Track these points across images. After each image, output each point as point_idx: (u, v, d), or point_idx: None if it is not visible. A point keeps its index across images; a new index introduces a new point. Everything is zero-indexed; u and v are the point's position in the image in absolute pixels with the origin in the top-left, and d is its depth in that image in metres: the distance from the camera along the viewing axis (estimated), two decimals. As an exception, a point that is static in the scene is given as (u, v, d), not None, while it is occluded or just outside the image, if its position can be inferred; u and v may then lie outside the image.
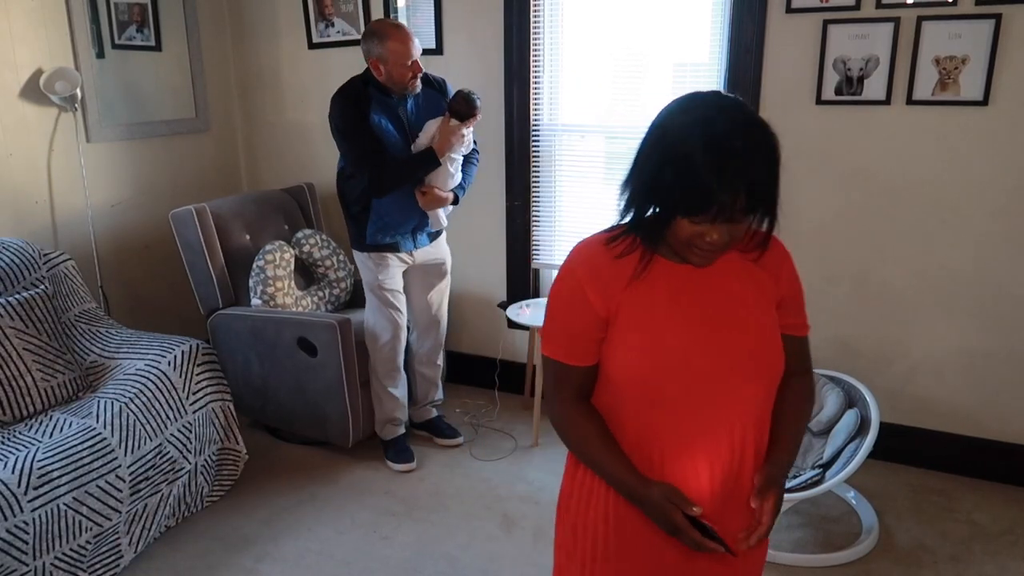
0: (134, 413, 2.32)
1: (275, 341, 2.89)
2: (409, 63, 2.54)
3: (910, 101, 2.59)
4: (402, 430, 2.99)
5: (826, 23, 2.63)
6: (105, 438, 2.22)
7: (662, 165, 1.07)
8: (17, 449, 2.11)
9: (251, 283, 3.07)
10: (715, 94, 1.09)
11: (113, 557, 2.28)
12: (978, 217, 2.62)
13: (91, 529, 2.16)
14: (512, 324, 3.30)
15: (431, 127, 2.66)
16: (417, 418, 3.13)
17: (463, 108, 2.65)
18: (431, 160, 2.61)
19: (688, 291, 1.17)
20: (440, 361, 3.11)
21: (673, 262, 1.17)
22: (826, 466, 2.32)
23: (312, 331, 2.79)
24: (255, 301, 3.05)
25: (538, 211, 3.34)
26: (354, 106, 2.56)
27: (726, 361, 1.15)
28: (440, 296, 3.00)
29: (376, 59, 2.53)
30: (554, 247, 3.37)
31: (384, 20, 2.69)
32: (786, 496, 2.31)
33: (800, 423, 1.27)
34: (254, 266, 3.07)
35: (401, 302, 2.88)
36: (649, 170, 1.10)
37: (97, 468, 2.16)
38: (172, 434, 2.41)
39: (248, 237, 3.17)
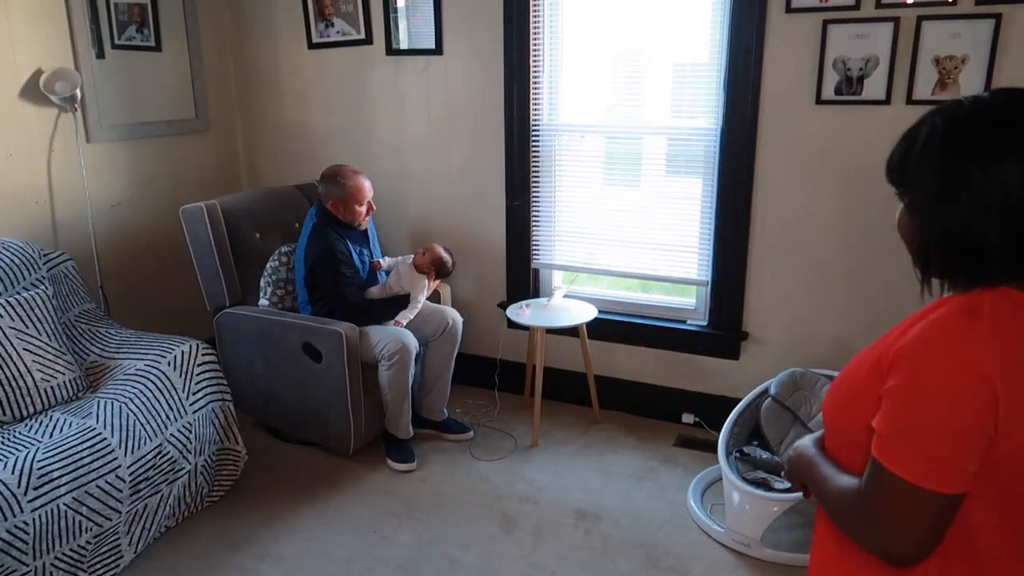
0: (134, 413, 2.32)
1: (281, 344, 2.88)
2: (363, 205, 2.94)
3: (910, 101, 2.59)
4: (412, 431, 2.99)
5: (826, 23, 2.63)
6: (105, 438, 2.22)
7: None
8: (17, 449, 2.10)
9: (262, 283, 3.07)
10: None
11: (113, 557, 2.28)
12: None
13: (91, 529, 2.16)
14: (512, 324, 3.30)
15: (406, 277, 2.98)
16: (427, 414, 3.13)
17: (446, 271, 3.06)
18: (405, 304, 2.96)
19: None
20: (455, 351, 3.12)
21: None
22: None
23: (318, 337, 2.79)
24: (263, 302, 3.06)
25: (538, 211, 3.34)
26: (340, 252, 2.89)
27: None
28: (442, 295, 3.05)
29: (336, 200, 2.91)
30: (554, 247, 3.37)
31: (342, 166, 2.97)
32: (786, 496, 2.32)
33: (823, 470, 1.02)
34: (268, 266, 3.08)
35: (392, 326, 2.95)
36: None
37: (97, 468, 2.16)
38: (172, 434, 2.41)
39: (258, 235, 3.16)
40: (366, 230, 3.09)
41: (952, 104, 0.94)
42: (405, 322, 2.94)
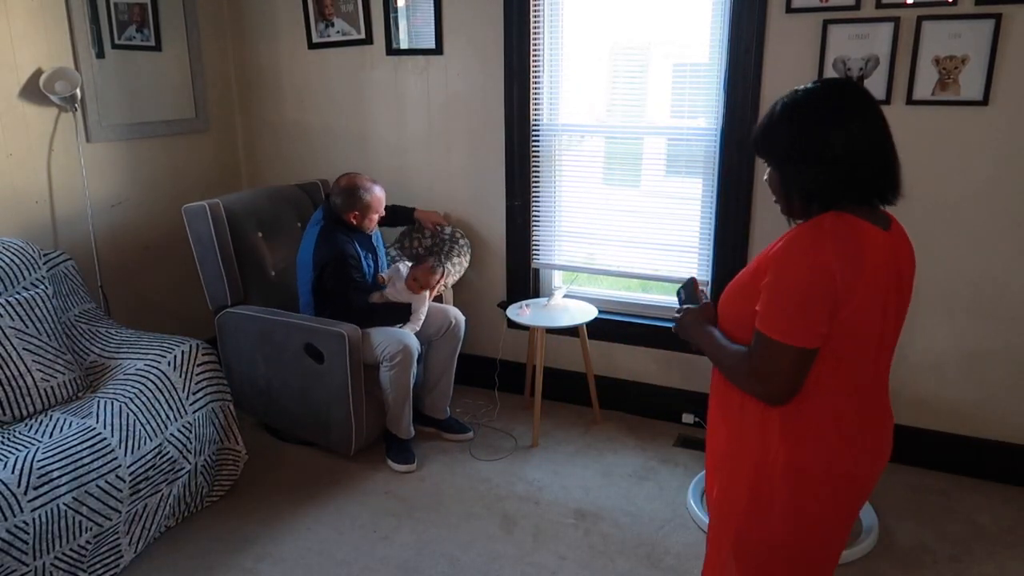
0: (134, 413, 2.32)
1: (283, 344, 2.88)
2: (378, 215, 2.96)
3: (910, 101, 2.59)
4: (413, 431, 2.99)
5: (826, 23, 2.63)
6: (105, 438, 2.22)
7: None
8: (17, 449, 2.11)
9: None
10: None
11: (113, 557, 2.28)
12: (978, 217, 2.62)
13: (91, 529, 2.16)
14: (512, 324, 3.30)
15: (404, 292, 2.97)
16: (430, 412, 3.14)
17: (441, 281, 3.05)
18: (407, 310, 2.96)
19: None
20: (458, 350, 3.12)
21: None
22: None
23: (320, 338, 2.78)
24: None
25: (538, 211, 3.34)
26: (351, 256, 2.89)
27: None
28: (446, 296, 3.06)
29: (355, 213, 2.90)
30: (554, 247, 3.37)
31: (357, 176, 2.94)
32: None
33: (721, 345, 1.41)
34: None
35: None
36: None
37: (97, 468, 2.16)
38: (172, 434, 2.41)
39: (260, 234, 3.16)
40: (371, 237, 3.09)
41: (791, 92, 1.33)
42: (414, 331, 2.94)
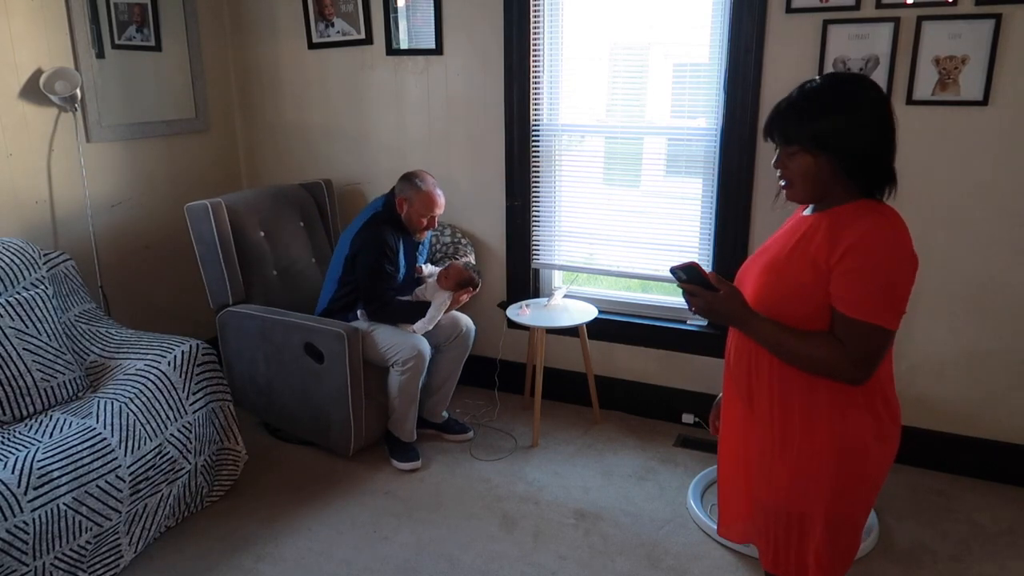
0: (134, 413, 2.32)
1: (283, 344, 2.88)
2: (428, 217, 2.90)
3: (910, 101, 2.59)
4: (416, 435, 2.99)
5: (826, 23, 2.63)
6: (105, 438, 2.22)
7: None
8: (17, 449, 2.11)
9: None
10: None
11: (113, 557, 2.28)
12: (978, 217, 2.62)
13: (91, 529, 2.16)
14: (512, 324, 3.30)
15: (429, 288, 2.98)
16: (428, 416, 3.13)
17: (473, 283, 3.01)
18: (424, 310, 2.93)
19: (777, 233, 1.55)
20: (465, 357, 3.12)
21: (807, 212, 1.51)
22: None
23: (320, 338, 2.78)
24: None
25: (538, 211, 3.34)
26: (390, 247, 2.89)
27: (745, 290, 1.50)
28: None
29: (404, 198, 2.90)
30: (554, 247, 3.37)
31: (427, 174, 2.96)
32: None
33: (788, 332, 1.39)
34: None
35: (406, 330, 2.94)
36: None
37: (97, 468, 2.16)
38: (172, 434, 2.41)
39: (263, 234, 3.17)
40: (419, 244, 3.07)
41: (824, 78, 1.41)
42: (421, 332, 2.92)
